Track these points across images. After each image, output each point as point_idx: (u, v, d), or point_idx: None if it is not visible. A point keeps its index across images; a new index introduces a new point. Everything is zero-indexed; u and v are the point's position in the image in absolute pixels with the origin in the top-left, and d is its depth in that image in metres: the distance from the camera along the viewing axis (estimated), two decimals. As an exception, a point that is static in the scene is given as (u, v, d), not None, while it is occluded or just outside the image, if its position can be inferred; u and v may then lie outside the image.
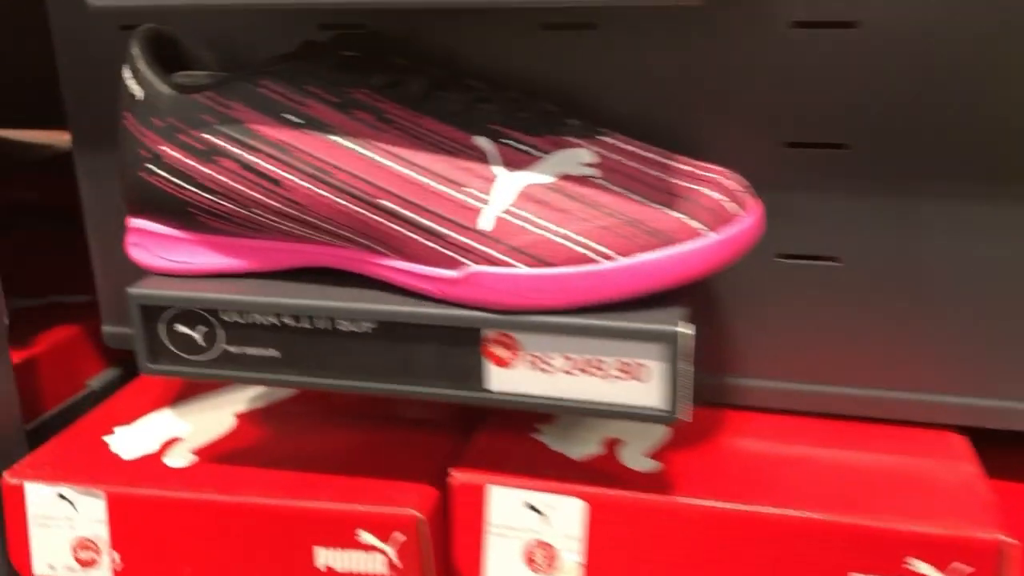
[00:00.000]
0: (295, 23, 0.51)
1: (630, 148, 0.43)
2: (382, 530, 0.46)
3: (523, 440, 0.49)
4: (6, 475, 0.50)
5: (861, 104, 0.46)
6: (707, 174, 0.43)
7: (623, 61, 0.48)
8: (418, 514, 0.45)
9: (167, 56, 0.48)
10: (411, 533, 0.45)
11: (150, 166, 0.46)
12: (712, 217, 0.41)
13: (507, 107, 0.43)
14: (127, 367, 0.68)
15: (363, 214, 0.43)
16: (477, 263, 0.42)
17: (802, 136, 0.47)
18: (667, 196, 0.41)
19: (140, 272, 0.57)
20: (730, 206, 0.42)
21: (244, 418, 0.55)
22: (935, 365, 0.49)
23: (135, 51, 0.46)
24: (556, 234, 0.41)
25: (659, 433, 0.50)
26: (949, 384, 0.49)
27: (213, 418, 0.55)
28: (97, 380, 0.67)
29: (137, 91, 0.46)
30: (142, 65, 0.46)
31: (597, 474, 0.46)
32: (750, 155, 0.48)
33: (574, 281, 0.41)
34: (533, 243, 0.41)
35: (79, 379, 0.66)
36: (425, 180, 0.42)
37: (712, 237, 0.41)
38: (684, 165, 0.43)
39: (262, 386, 0.47)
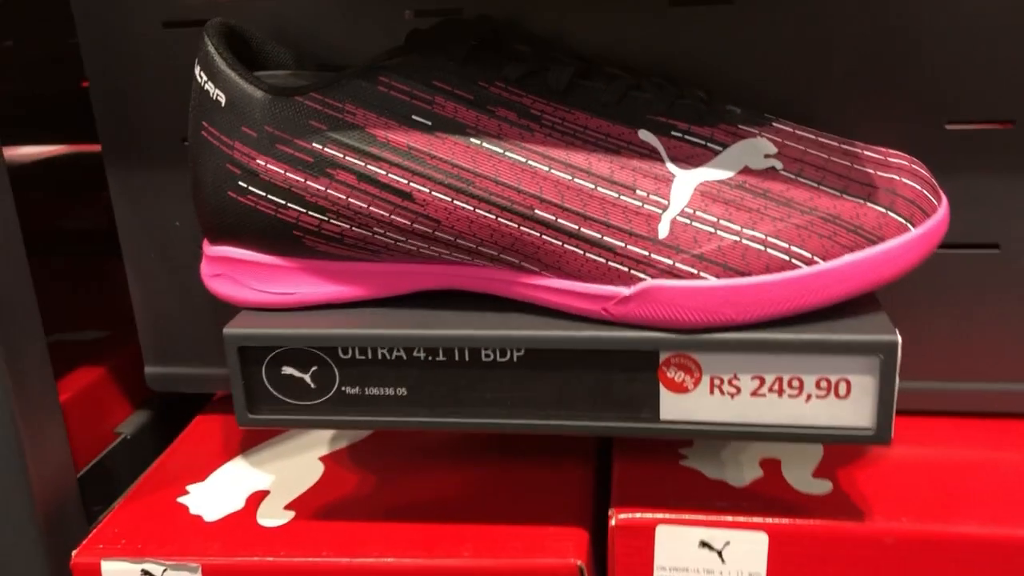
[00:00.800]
0: (375, 12, 0.44)
1: (806, 135, 0.38)
2: (539, 585, 0.40)
3: (672, 468, 0.44)
4: (77, 554, 0.43)
5: (1032, 74, 0.42)
6: (894, 160, 0.38)
7: (764, 39, 0.43)
8: (578, 563, 0.40)
9: (238, 54, 0.41)
10: (573, 586, 0.40)
11: (242, 183, 0.39)
12: (911, 209, 0.36)
13: (663, 95, 0.38)
14: (155, 408, 0.61)
15: (511, 227, 0.37)
16: (655, 276, 0.36)
17: (964, 114, 0.43)
18: (864, 187, 0.36)
19: (184, 305, 0.50)
20: (928, 197, 0.37)
21: (332, 461, 0.48)
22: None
23: (211, 48, 0.39)
24: (749, 238, 0.35)
25: (818, 450, 0.45)
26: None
27: (297, 465, 0.48)
28: (126, 426, 0.59)
29: (219, 95, 0.39)
30: (222, 64, 0.39)
31: (771, 502, 0.41)
32: (905, 136, 0.43)
33: (773, 291, 0.35)
34: (722, 249, 0.35)
35: (108, 426, 0.59)
36: (587, 184, 0.36)
37: (915, 232, 0.36)
38: (866, 151, 0.38)
39: (383, 428, 0.40)
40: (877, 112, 0.43)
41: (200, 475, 0.48)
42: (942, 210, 0.38)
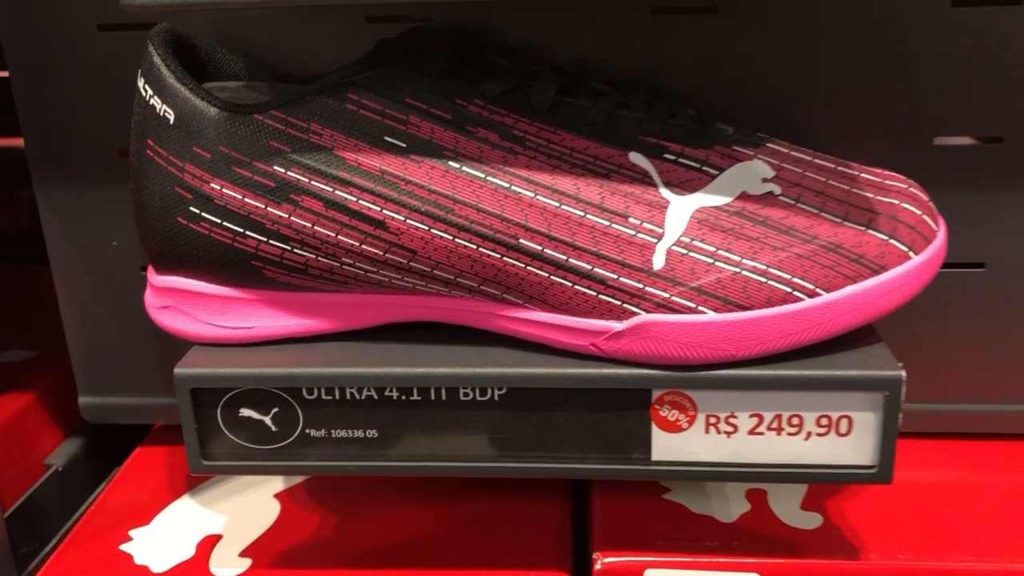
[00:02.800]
0: (330, 18, 0.41)
1: (803, 156, 0.36)
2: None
3: (655, 503, 0.42)
4: (10, 616, 0.39)
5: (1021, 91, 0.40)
6: (891, 183, 0.36)
7: (748, 50, 0.40)
8: (562, 612, 0.37)
9: (184, 62, 0.37)
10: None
11: (194, 209, 0.35)
12: (913, 236, 0.35)
13: (653, 114, 0.35)
14: (88, 436, 0.56)
15: (493, 258, 0.34)
16: (649, 311, 0.34)
17: (951, 129, 0.41)
18: (865, 213, 0.34)
19: (121, 331, 0.46)
20: (929, 221, 0.35)
21: (288, 499, 0.45)
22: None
23: (157, 58, 0.35)
24: (749, 269, 0.33)
25: (803, 478, 0.43)
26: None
27: (251, 504, 0.45)
28: (57, 457, 0.55)
29: (166, 112, 0.35)
30: (170, 77, 0.35)
31: (761, 539, 0.39)
32: (891, 152, 0.41)
33: (776, 325, 0.33)
34: (721, 282, 0.33)
35: (36, 457, 0.54)
36: (575, 211, 0.34)
37: (917, 260, 0.35)
38: (863, 173, 0.37)
39: (351, 474, 0.37)
40: (864, 127, 0.41)
41: (144, 517, 0.44)
42: (941, 235, 0.36)
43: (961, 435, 0.46)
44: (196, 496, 0.46)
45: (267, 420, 0.36)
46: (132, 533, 0.43)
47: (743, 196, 0.34)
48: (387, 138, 0.34)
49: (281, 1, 0.34)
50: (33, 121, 0.44)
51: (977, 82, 0.40)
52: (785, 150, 0.36)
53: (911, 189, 0.36)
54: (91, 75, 0.43)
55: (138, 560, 0.41)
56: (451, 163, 0.34)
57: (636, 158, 0.34)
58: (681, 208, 0.34)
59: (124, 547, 0.42)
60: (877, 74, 0.40)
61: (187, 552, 0.42)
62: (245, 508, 0.44)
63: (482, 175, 0.34)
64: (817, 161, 0.36)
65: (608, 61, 0.41)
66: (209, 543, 0.42)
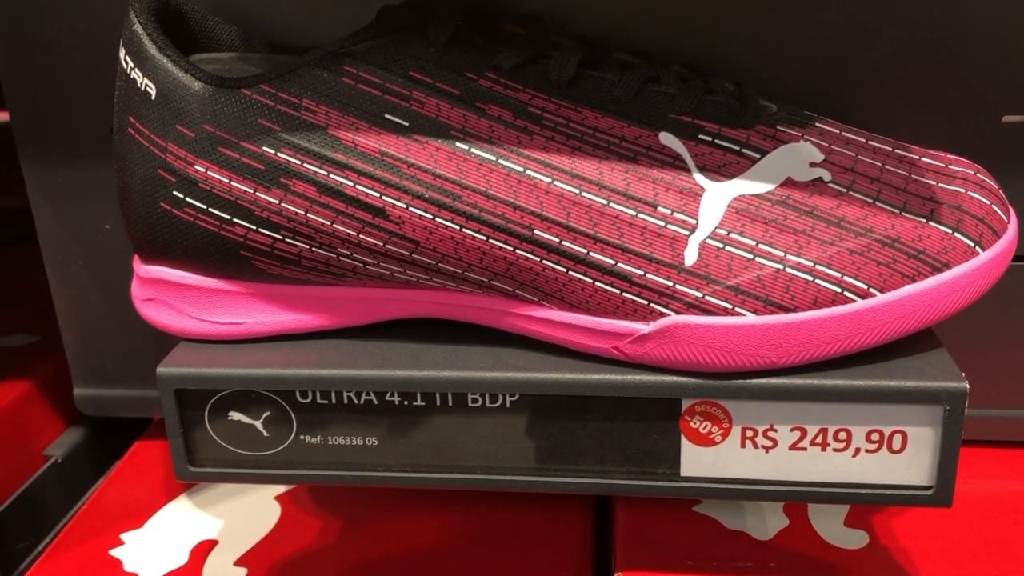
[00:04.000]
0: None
1: (856, 138, 0.32)
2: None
3: (684, 516, 0.38)
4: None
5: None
6: (956, 168, 0.32)
7: (792, 18, 0.36)
8: (581, 637, 0.34)
9: (171, 33, 0.34)
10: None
11: (177, 194, 0.32)
12: (980, 229, 0.31)
13: (687, 89, 0.31)
14: (89, 426, 0.54)
15: (505, 250, 0.30)
16: (680, 311, 0.30)
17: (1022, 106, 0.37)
18: (926, 203, 0.30)
19: (117, 319, 0.44)
20: (998, 212, 0.31)
21: (289, 501, 0.42)
22: None
23: (138, 27, 0.32)
24: (794, 265, 0.29)
25: (849, 491, 0.40)
26: None
27: (249, 506, 0.42)
28: (57, 447, 0.52)
29: (148, 86, 0.32)
30: (152, 48, 0.32)
31: (801, 559, 0.36)
32: (955, 132, 0.37)
33: (823, 330, 0.29)
34: (762, 280, 0.29)
35: (35, 448, 0.52)
36: (597, 199, 0.30)
37: (985, 256, 0.31)
38: (923, 156, 0.32)
39: (349, 484, 0.34)
40: (924, 104, 0.37)
41: (137, 519, 0.42)
42: (1012, 227, 0.32)
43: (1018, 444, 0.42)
44: (193, 497, 0.43)
45: (258, 424, 0.33)
46: (124, 536, 0.40)
47: (788, 183, 0.30)
48: (388, 116, 0.30)
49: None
50: (18, 97, 0.41)
51: (1053, 54, 0.36)
52: (836, 131, 0.32)
53: (978, 175, 0.32)
54: (79, 47, 0.40)
55: (128, 567, 0.39)
56: (459, 144, 0.30)
57: (667, 139, 0.30)
58: (717, 196, 0.30)
59: (114, 552, 0.39)
60: (937, 46, 0.36)
61: (179, 559, 0.39)
62: (243, 511, 0.42)
63: (493, 158, 0.30)
64: (872, 143, 0.32)
65: (637, 30, 0.37)
66: (203, 549, 0.39)
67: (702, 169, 0.30)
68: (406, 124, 0.30)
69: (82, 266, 0.44)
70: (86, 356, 0.46)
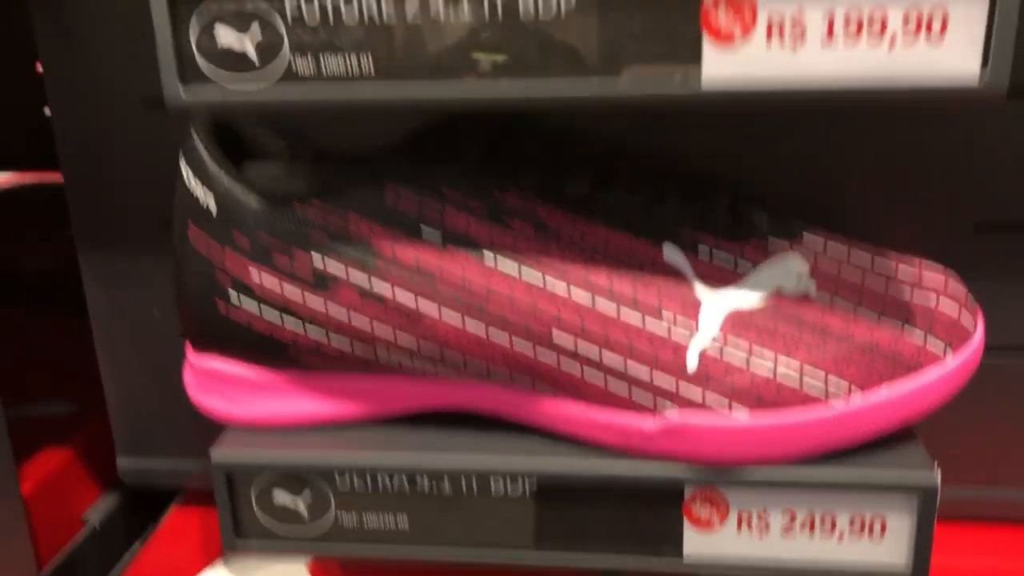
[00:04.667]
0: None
1: (839, 246, 0.36)
2: None
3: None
4: None
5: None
6: (929, 275, 0.36)
7: (780, 134, 0.40)
8: None
9: (226, 140, 0.38)
10: None
11: (233, 294, 0.36)
12: (950, 335, 0.34)
13: (687, 203, 0.35)
14: (125, 492, 0.57)
15: (526, 353, 0.34)
16: (683, 409, 0.33)
17: (992, 216, 0.41)
18: (902, 311, 0.34)
19: (161, 393, 0.47)
20: (966, 319, 0.35)
21: (320, 571, 0.45)
22: None
23: (199, 145, 0.36)
24: (784, 369, 0.33)
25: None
26: None
27: (281, 574, 0.45)
28: (94, 512, 0.55)
29: (207, 197, 0.36)
30: (212, 165, 0.36)
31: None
32: (930, 240, 0.41)
33: (810, 430, 0.33)
34: (755, 383, 0.33)
35: (74, 513, 0.55)
36: (609, 307, 0.34)
37: (954, 361, 0.34)
38: (899, 263, 0.36)
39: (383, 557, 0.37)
40: (899, 213, 0.41)
41: (176, 586, 0.45)
42: (979, 332, 0.36)
43: (999, 520, 0.45)
44: (228, 563, 0.46)
45: (299, 506, 0.36)
46: (163, 603, 0.44)
47: (778, 294, 0.34)
48: (423, 228, 0.34)
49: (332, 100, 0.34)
50: (80, 193, 0.45)
51: (1018, 169, 0.40)
52: (821, 239, 0.36)
53: (949, 282, 0.36)
54: (135, 147, 0.44)
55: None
56: (486, 255, 0.34)
57: (670, 253, 0.34)
58: (715, 306, 0.34)
59: (155, 619, 0.43)
60: (914, 163, 0.40)
61: (217, 626, 0.42)
62: (276, 578, 0.45)
63: (516, 269, 0.34)
64: (854, 252, 0.36)
65: (642, 145, 0.41)
66: (241, 616, 0.43)
67: (701, 280, 0.34)
68: (439, 238, 0.34)
69: (129, 345, 0.47)
70: (130, 428, 0.49)
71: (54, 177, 0.47)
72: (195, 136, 0.37)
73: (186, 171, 0.37)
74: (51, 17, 0.43)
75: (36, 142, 0.54)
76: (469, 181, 0.34)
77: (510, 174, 0.35)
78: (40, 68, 0.44)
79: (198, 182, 0.36)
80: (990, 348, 0.41)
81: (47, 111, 0.45)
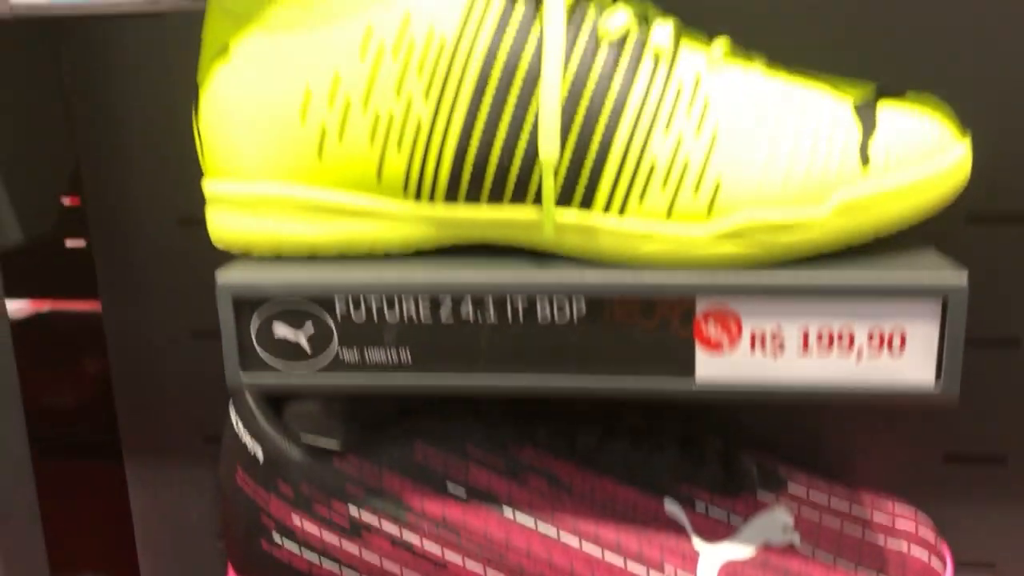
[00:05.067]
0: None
1: (819, 494, 0.40)
2: None
3: None
4: None
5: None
6: (901, 521, 0.40)
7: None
8: None
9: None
10: None
11: (277, 538, 0.40)
12: (921, 580, 0.38)
13: (686, 457, 0.40)
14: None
15: (541, 596, 0.38)
16: (681, 652, 0.37)
17: (960, 448, 0.45)
18: (876, 559, 0.38)
19: (188, 561, 0.51)
20: (935, 564, 0.39)
21: None
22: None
23: (251, 401, 0.41)
24: (771, 619, 0.37)
25: None
26: None
27: None
28: None
29: (255, 447, 0.40)
30: (262, 420, 0.40)
31: None
32: (904, 470, 0.46)
33: (796, 673, 0.37)
34: (746, 631, 0.37)
35: None
36: (616, 560, 0.38)
37: (925, 604, 0.38)
38: (875, 510, 0.40)
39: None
40: (875, 447, 0.45)
41: None
42: (948, 574, 0.40)
43: None
44: None
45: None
46: None
47: (766, 546, 0.38)
48: (449, 485, 0.38)
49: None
50: (129, 410, 0.49)
51: (987, 408, 0.44)
52: (803, 488, 0.40)
53: (919, 528, 0.40)
54: (182, 374, 0.48)
55: None
56: (505, 510, 0.38)
57: (671, 508, 0.38)
58: (711, 559, 0.38)
59: None
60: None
61: None
62: None
63: (532, 523, 0.38)
64: (834, 500, 0.40)
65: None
66: None
67: (698, 534, 0.38)
68: (464, 494, 0.38)
69: (168, 543, 0.51)
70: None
71: (82, 306, 0.50)
72: (249, 397, 0.41)
73: (236, 421, 0.41)
74: (93, 145, 0.48)
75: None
76: (489, 437, 0.39)
77: (526, 427, 0.39)
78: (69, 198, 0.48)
79: (247, 433, 0.41)
80: (959, 562, 0.45)
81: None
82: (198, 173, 0.41)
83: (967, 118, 0.39)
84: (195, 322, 0.48)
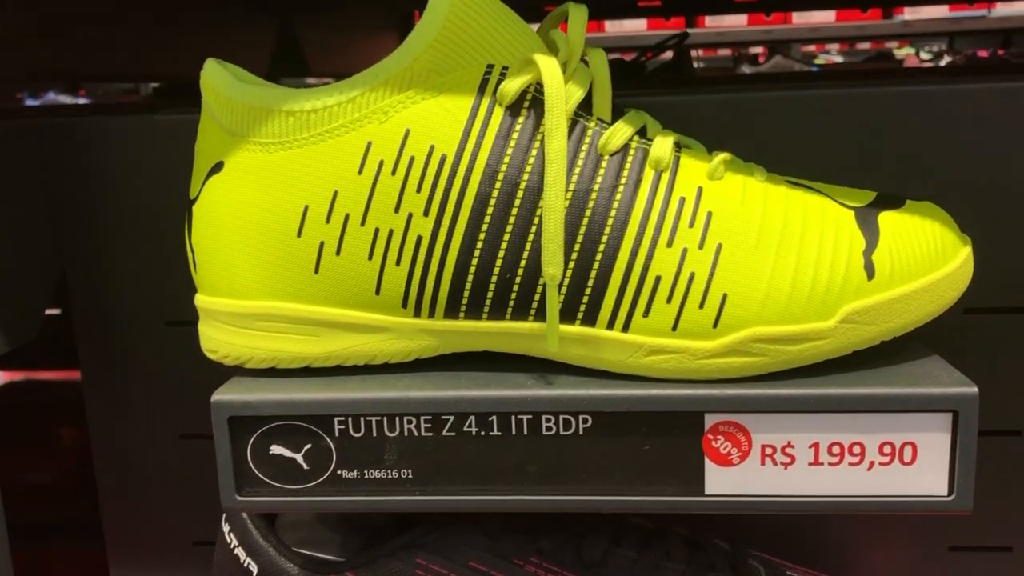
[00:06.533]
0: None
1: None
2: None
3: None
4: None
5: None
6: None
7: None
8: None
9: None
10: None
11: (274, 663, 0.38)
12: None
13: (693, 563, 0.39)
14: None
15: None
16: None
17: (965, 540, 0.45)
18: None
19: None
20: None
21: None
22: None
23: (246, 516, 0.39)
24: None
25: None
26: None
27: None
28: None
29: (249, 564, 0.39)
30: (257, 536, 0.39)
31: None
32: (910, 563, 0.45)
33: None
34: None
35: None
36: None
37: None
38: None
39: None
40: (876, 539, 0.45)
41: None
42: None
43: None
44: None
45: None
46: None
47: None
48: (453, 604, 0.37)
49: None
50: (115, 516, 0.48)
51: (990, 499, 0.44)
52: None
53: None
54: (171, 476, 0.47)
55: None
56: (509, 628, 0.37)
57: (678, 622, 0.38)
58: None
59: None
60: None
61: None
62: None
63: (538, 640, 0.37)
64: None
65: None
66: None
67: (709, 646, 0.37)
68: (467, 610, 0.37)
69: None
70: None
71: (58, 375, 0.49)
72: (246, 516, 0.40)
73: (230, 537, 0.40)
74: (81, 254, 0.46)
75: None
76: (492, 551, 0.38)
77: (529, 537, 0.38)
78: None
79: (241, 549, 0.39)
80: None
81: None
82: (187, 275, 0.40)
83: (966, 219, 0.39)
84: (183, 425, 0.47)
